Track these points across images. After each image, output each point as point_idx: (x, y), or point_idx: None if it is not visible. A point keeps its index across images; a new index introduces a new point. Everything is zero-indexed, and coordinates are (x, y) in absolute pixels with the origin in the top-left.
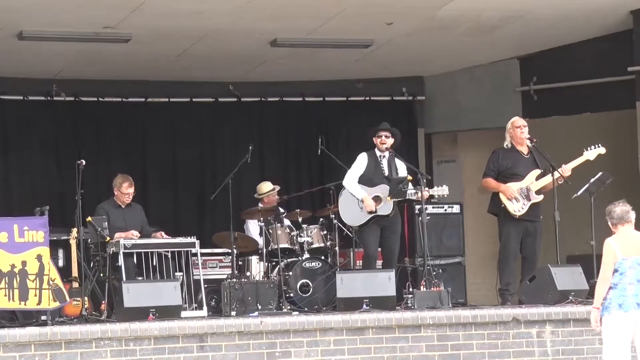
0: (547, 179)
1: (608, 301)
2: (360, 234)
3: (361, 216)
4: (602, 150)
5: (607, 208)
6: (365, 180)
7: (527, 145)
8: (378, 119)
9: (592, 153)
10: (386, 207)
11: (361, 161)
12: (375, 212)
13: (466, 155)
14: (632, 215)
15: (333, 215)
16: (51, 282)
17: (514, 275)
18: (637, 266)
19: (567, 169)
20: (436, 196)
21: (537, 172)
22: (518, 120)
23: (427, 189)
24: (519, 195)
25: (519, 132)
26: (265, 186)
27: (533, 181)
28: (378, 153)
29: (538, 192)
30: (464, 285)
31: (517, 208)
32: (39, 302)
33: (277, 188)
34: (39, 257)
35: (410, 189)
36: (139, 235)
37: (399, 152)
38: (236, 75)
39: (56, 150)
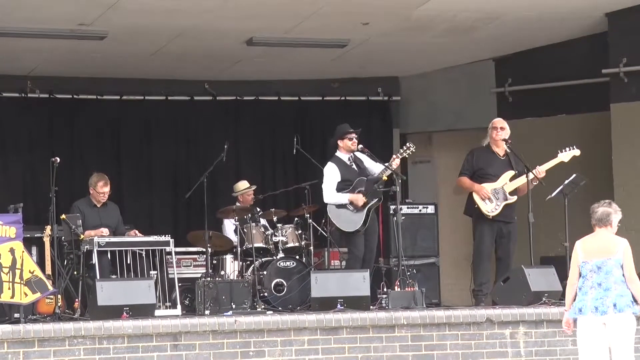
0: (521, 180)
1: (575, 304)
2: (349, 237)
3: (357, 218)
4: (576, 152)
5: (592, 206)
6: (344, 186)
7: (504, 147)
8: (353, 119)
9: (566, 155)
10: (375, 195)
11: (333, 171)
12: (368, 203)
13: (441, 155)
14: (615, 217)
15: (308, 215)
16: (30, 274)
17: (487, 276)
18: (597, 270)
19: (541, 170)
20: (406, 155)
21: (511, 173)
22: (496, 122)
23: (396, 155)
24: (492, 196)
25: (494, 133)
26: (242, 184)
27: (507, 182)
28: (345, 157)
29: (512, 193)
30: (438, 285)
31: (490, 208)
32: (12, 296)
33: (253, 187)
34: (12, 251)
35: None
36: (107, 233)
37: (374, 151)
38: (212, 73)
39: (30, 147)
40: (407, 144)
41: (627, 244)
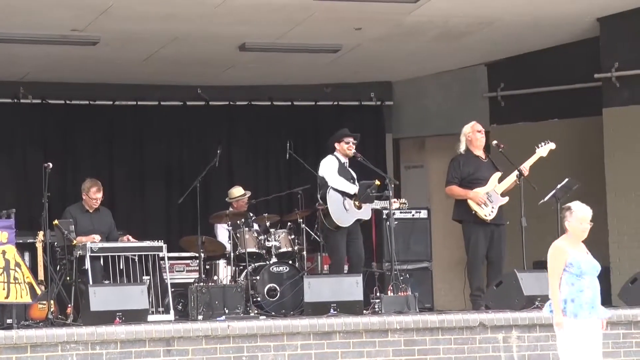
0: (509, 180)
1: None
2: (330, 239)
3: (348, 217)
4: (552, 145)
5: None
6: None
7: (484, 150)
8: (346, 124)
9: (544, 149)
10: (366, 212)
11: (333, 163)
12: (360, 207)
13: (434, 160)
14: (568, 220)
15: (301, 220)
16: (25, 279)
17: (484, 281)
18: None
19: (525, 169)
20: (399, 205)
21: (499, 174)
22: (476, 125)
23: (395, 200)
24: (487, 200)
25: (479, 136)
26: (236, 190)
27: (496, 184)
28: (342, 159)
29: (502, 195)
30: (431, 290)
31: (487, 212)
32: (7, 296)
33: (248, 194)
34: (4, 253)
35: (376, 202)
36: (99, 239)
37: (367, 156)
38: (205, 78)
39: (23, 153)
40: (404, 200)
41: (550, 252)
